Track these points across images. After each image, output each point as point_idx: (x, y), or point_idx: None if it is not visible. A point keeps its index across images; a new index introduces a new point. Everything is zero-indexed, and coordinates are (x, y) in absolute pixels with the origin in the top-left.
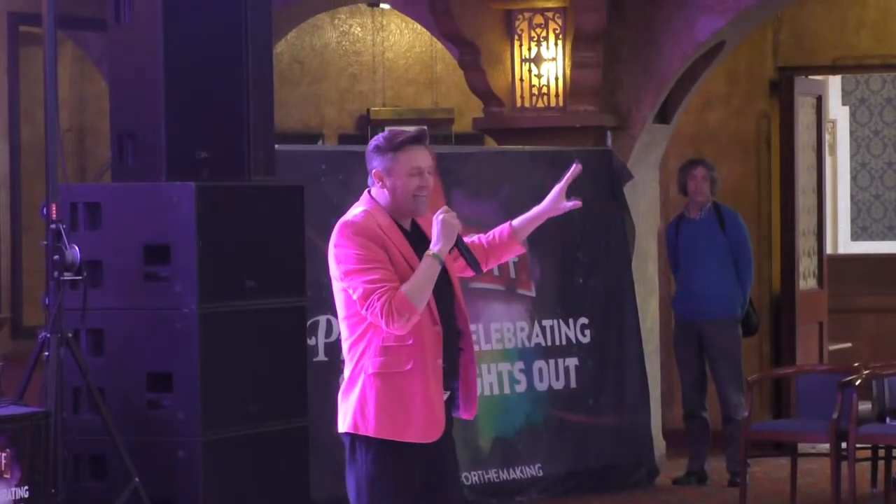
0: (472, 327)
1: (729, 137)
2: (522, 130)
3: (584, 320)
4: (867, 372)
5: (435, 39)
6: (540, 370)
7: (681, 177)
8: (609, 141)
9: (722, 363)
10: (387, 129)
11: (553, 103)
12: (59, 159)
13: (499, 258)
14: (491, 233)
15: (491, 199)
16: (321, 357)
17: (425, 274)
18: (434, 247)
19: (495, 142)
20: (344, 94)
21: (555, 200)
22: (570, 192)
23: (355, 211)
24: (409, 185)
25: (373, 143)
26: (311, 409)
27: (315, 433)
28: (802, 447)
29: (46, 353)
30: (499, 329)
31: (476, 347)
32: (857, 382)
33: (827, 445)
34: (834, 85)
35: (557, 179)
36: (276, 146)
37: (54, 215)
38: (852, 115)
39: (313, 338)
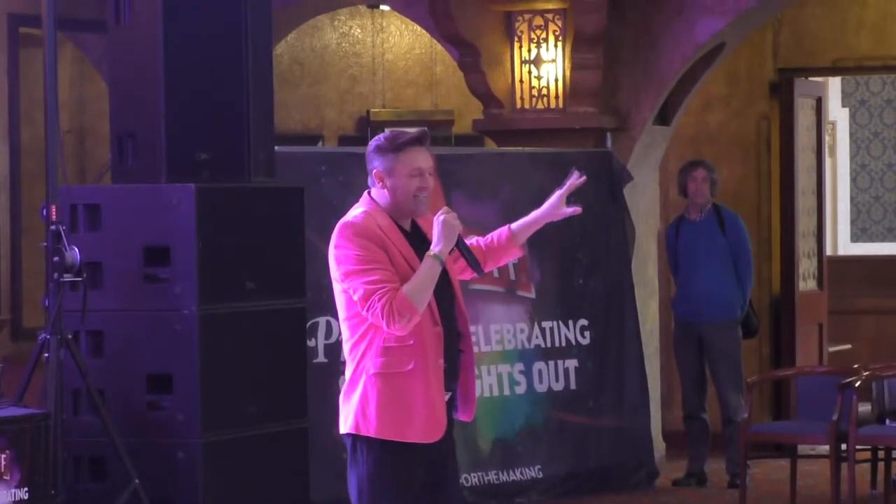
0: (472, 329)
1: (729, 139)
2: (522, 132)
3: (583, 322)
4: (867, 373)
5: (435, 41)
6: (540, 371)
7: (681, 178)
8: (609, 142)
9: (722, 365)
10: (387, 130)
11: (553, 105)
12: (59, 161)
13: (497, 261)
14: (489, 236)
15: (491, 201)
16: (321, 358)
17: (426, 275)
18: (435, 247)
19: (495, 143)
20: (344, 95)
21: (554, 206)
22: (570, 195)
23: (355, 212)
24: (410, 185)
25: (373, 143)
26: (310, 410)
27: (315, 435)
28: (802, 449)
29: (46, 355)
30: (498, 330)
31: (476, 349)
32: (857, 384)
33: (827, 447)
34: (834, 86)
35: (557, 181)
36: (276, 148)
37: (54, 217)
38: (852, 116)
39: (313, 339)
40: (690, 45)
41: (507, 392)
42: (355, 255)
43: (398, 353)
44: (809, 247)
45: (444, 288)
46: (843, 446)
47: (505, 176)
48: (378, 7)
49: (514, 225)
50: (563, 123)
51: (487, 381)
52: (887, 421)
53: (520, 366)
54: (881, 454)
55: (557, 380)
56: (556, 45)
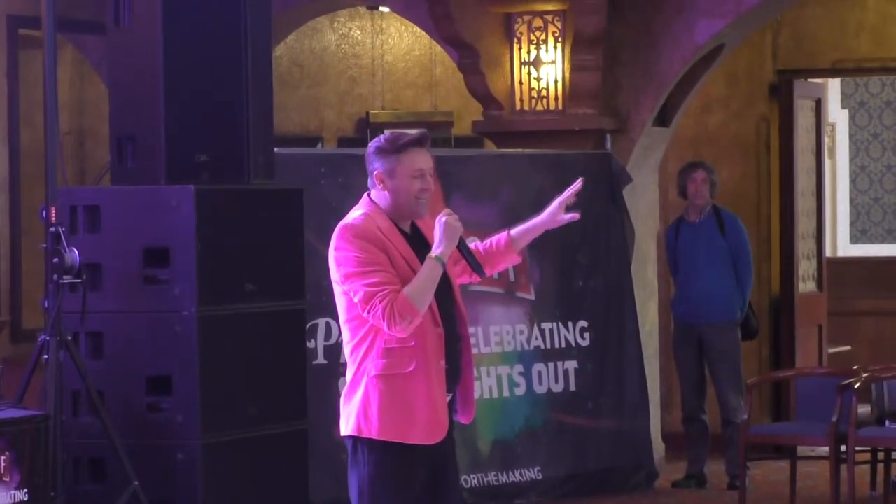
0: (472, 330)
1: (728, 140)
2: (522, 133)
3: (583, 323)
4: (866, 375)
5: (434, 42)
6: (539, 373)
7: (680, 180)
8: (608, 144)
9: (721, 366)
10: (387, 131)
11: (552, 106)
12: (59, 162)
13: (494, 266)
14: (488, 240)
15: (490, 203)
16: (320, 360)
17: (427, 276)
18: (436, 249)
19: (494, 145)
20: (343, 97)
21: (553, 213)
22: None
23: (355, 214)
24: (411, 187)
25: (374, 144)
26: (310, 412)
27: (314, 436)
28: (802, 450)
29: (46, 357)
30: (498, 332)
31: (475, 350)
32: (857, 385)
33: (826, 448)
34: (833, 88)
35: (557, 182)
36: (276, 149)
37: (53, 218)
38: (852, 118)
39: (312, 341)
40: (690, 46)
41: (506, 393)
42: (355, 258)
43: (399, 355)
44: (809, 248)
45: (444, 289)
46: (843, 448)
47: (504, 177)
48: (377, 9)
49: (513, 231)
50: (563, 125)
51: (487, 383)
52: (887, 422)
53: (519, 367)
54: (881, 455)
55: (557, 381)
56: (555, 47)
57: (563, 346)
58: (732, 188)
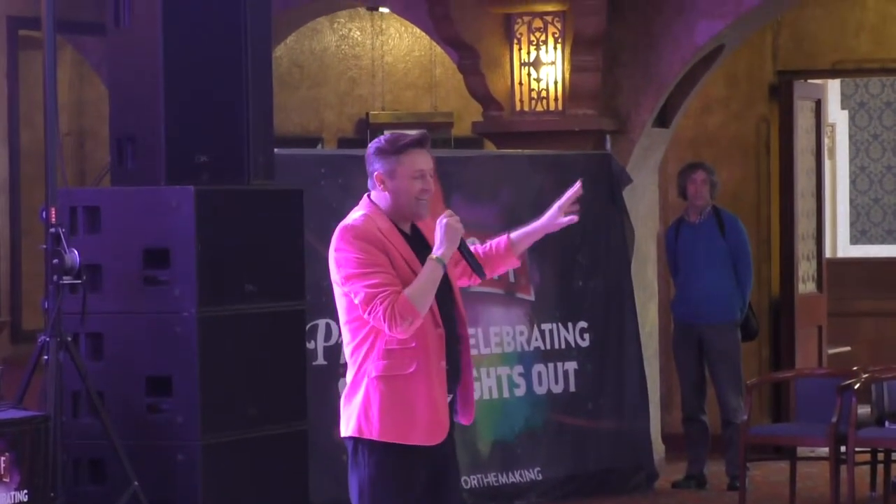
0: (472, 331)
1: (728, 141)
2: (522, 134)
3: (583, 324)
4: (866, 376)
5: (434, 43)
6: (539, 374)
7: (680, 180)
8: (608, 145)
9: (721, 367)
10: (386, 132)
11: (552, 107)
12: (59, 163)
13: (493, 270)
14: (488, 243)
15: (490, 203)
16: (320, 361)
17: (429, 278)
18: (437, 251)
19: (494, 146)
20: (343, 97)
21: (552, 217)
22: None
23: (355, 215)
24: (411, 188)
25: (374, 145)
26: (310, 413)
27: (314, 437)
28: (801, 451)
29: (46, 357)
30: (498, 333)
31: (475, 351)
32: (857, 386)
33: (826, 449)
34: (833, 89)
35: (557, 183)
36: (276, 150)
37: (53, 219)
38: (851, 118)
39: (312, 341)
40: (690, 47)
41: (506, 394)
42: (356, 259)
43: (400, 356)
44: (809, 249)
45: (444, 290)
46: (843, 448)
47: (504, 178)
48: (377, 9)
49: (513, 234)
50: (563, 126)
51: (487, 384)
52: (886, 423)
53: (519, 368)
54: (880, 456)
55: (557, 382)
56: (555, 48)
57: (563, 346)
58: (732, 189)
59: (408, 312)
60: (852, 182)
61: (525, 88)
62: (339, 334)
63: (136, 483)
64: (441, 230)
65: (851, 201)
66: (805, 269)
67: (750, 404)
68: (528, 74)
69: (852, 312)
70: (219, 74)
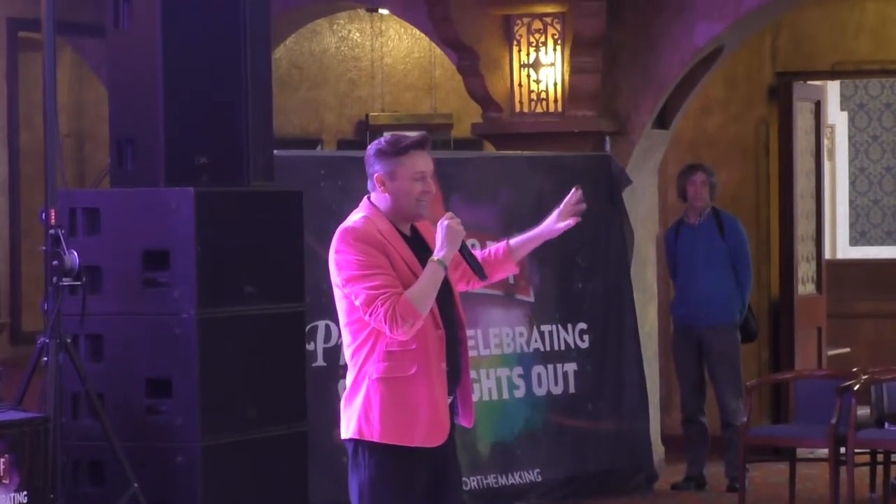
0: (471, 332)
1: (728, 143)
2: (521, 136)
3: (582, 325)
4: (866, 377)
5: (433, 45)
6: (539, 375)
7: (680, 182)
8: (608, 146)
9: (721, 368)
10: (386, 133)
11: (552, 108)
12: (58, 164)
13: (492, 276)
14: (487, 249)
15: (490, 205)
16: (320, 362)
17: (430, 279)
18: (438, 253)
19: (494, 147)
20: (343, 99)
21: (552, 223)
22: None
23: (355, 217)
24: (412, 189)
25: (374, 146)
26: (310, 414)
27: (314, 438)
28: (801, 452)
29: (45, 359)
30: (497, 334)
31: (475, 353)
32: (856, 387)
33: (826, 450)
34: (833, 90)
35: (556, 184)
36: (275, 151)
37: (53, 220)
38: (851, 120)
39: (312, 343)
40: (689, 48)
41: (506, 396)
42: (356, 261)
43: (401, 358)
44: (808, 250)
45: (445, 292)
46: (842, 450)
47: (504, 179)
48: (377, 11)
49: (512, 241)
50: (562, 127)
51: (486, 385)
52: (886, 424)
53: (519, 369)
54: (880, 457)
55: (556, 383)
56: (554, 49)
57: (563, 348)
58: (732, 190)
59: (409, 314)
60: (852, 183)
61: (524, 90)
62: (339, 336)
63: (135, 485)
64: (442, 232)
65: (851, 203)
66: (804, 271)
67: (749, 406)
68: (528, 76)
69: (852, 314)
70: (218, 76)
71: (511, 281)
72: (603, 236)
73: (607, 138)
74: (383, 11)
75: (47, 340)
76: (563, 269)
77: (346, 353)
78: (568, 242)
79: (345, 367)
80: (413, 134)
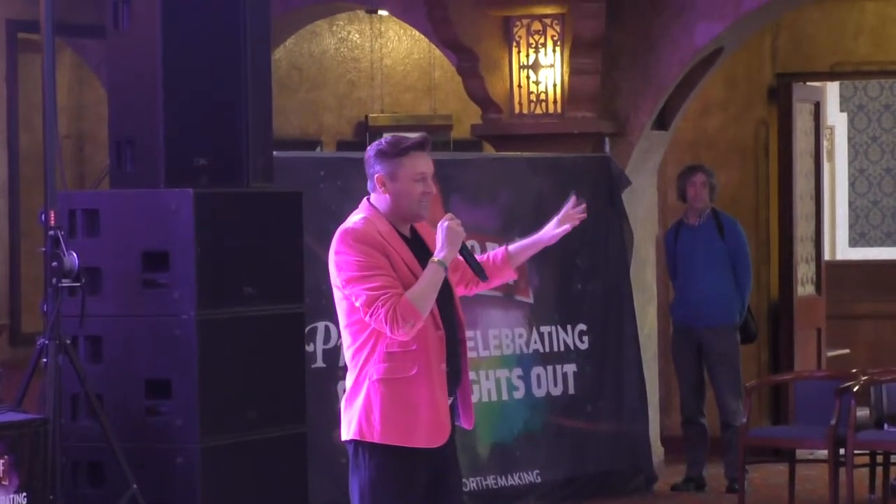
0: (470, 333)
1: (727, 144)
2: (520, 137)
3: (582, 327)
4: (865, 378)
5: (433, 46)
6: (538, 376)
7: (680, 183)
8: (607, 147)
9: (720, 369)
10: (386, 135)
11: (551, 110)
12: (58, 166)
13: (490, 281)
14: (485, 254)
15: (489, 206)
16: (319, 363)
17: (430, 280)
18: (439, 253)
19: (493, 148)
20: (342, 100)
21: (551, 229)
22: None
23: (355, 218)
24: (413, 190)
25: (374, 147)
26: (309, 415)
27: (313, 439)
28: (801, 453)
29: (45, 360)
30: (497, 335)
31: (474, 354)
32: (855, 389)
33: (825, 451)
34: (832, 91)
35: (556, 186)
36: (275, 153)
37: (53, 222)
38: (850, 121)
39: (311, 344)
40: (689, 49)
41: (505, 397)
42: (356, 262)
43: (401, 359)
44: (808, 251)
45: (445, 293)
46: (842, 451)
47: (503, 181)
48: (376, 12)
49: (511, 247)
50: (562, 128)
51: (486, 386)
52: (885, 425)
53: (518, 371)
54: (879, 459)
55: (556, 385)
56: (554, 50)
57: (562, 349)
58: (731, 192)
59: (409, 314)
60: (851, 184)
61: (524, 91)
62: (339, 337)
63: (134, 486)
64: (442, 233)
65: (850, 204)
66: (804, 272)
67: (749, 407)
68: (527, 77)
69: (851, 315)
70: (218, 77)
71: (510, 282)
72: (602, 237)
73: (607, 139)
74: (383, 13)
75: (47, 342)
76: (562, 270)
77: (346, 354)
78: (567, 244)
79: (344, 368)
80: (413, 135)
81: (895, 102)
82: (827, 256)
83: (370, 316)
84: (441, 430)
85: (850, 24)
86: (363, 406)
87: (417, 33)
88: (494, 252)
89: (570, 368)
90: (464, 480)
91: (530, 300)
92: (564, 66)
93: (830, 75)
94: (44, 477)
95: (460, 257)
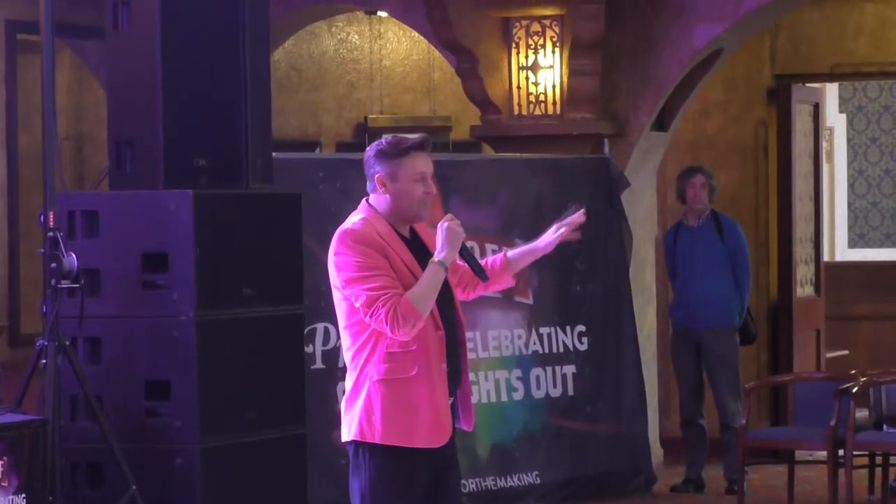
0: (469, 335)
1: (726, 145)
2: (520, 138)
3: (581, 328)
4: (864, 379)
5: (432, 47)
6: (537, 378)
7: (679, 184)
8: (606, 148)
9: (719, 371)
10: (385, 136)
11: (550, 111)
12: (57, 167)
13: (487, 286)
14: (485, 259)
15: (488, 207)
16: (318, 364)
17: (430, 280)
18: (439, 254)
19: (493, 149)
20: (341, 101)
21: (549, 236)
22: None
23: (354, 219)
24: (414, 190)
25: (374, 147)
26: (308, 416)
27: (313, 440)
28: (800, 454)
29: (44, 361)
30: (496, 337)
31: (473, 355)
32: (855, 390)
33: (824, 453)
34: (831, 92)
35: (555, 187)
36: (274, 154)
37: (52, 223)
38: (849, 122)
39: (311, 345)
40: (688, 50)
41: (504, 398)
42: (356, 262)
43: (402, 359)
44: (807, 253)
45: (445, 294)
46: (841, 452)
47: (503, 182)
48: (376, 13)
49: (510, 253)
50: (561, 129)
51: (485, 387)
52: (885, 427)
53: (517, 372)
54: (878, 460)
55: (555, 386)
56: (553, 52)
57: (562, 350)
58: (731, 193)
59: (410, 315)
60: (850, 185)
61: (523, 92)
62: (338, 338)
63: (134, 487)
64: (442, 234)
65: (849, 205)
66: (803, 273)
67: (748, 408)
68: (527, 78)
69: (850, 316)
70: (217, 78)
71: None
72: (602, 238)
73: (606, 140)
74: (382, 14)
75: (46, 343)
76: (561, 271)
77: (346, 355)
78: (567, 245)
79: (343, 369)
80: (414, 136)
81: (894, 104)
82: (826, 257)
83: (370, 316)
84: (442, 430)
85: (850, 25)
86: (364, 407)
87: (417, 34)
88: (493, 258)
89: (570, 369)
90: (463, 482)
91: (530, 301)
92: (564, 67)
93: (830, 76)
94: (43, 478)
95: (460, 262)
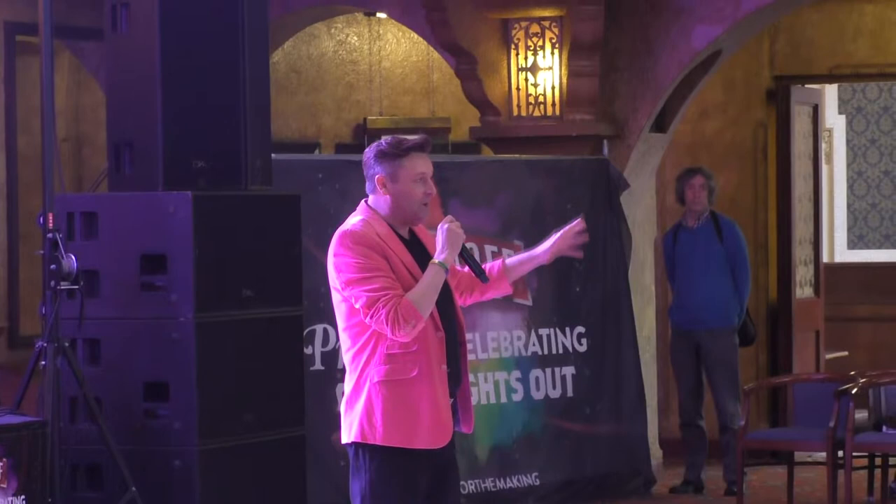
0: (469, 336)
1: (725, 146)
2: (519, 139)
3: (580, 329)
4: (864, 380)
5: (431, 48)
6: (537, 379)
7: (679, 185)
8: (605, 150)
9: (719, 372)
10: (384, 137)
11: (549, 112)
12: (56, 168)
13: (483, 293)
14: (483, 266)
15: (487, 208)
16: (318, 366)
17: (431, 281)
18: (439, 255)
19: (492, 151)
20: (340, 103)
21: (548, 246)
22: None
23: (353, 220)
24: (414, 191)
25: (374, 148)
26: (307, 418)
27: (312, 442)
28: (799, 456)
29: (43, 363)
30: (495, 338)
31: (473, 356)
32: (854, 391)
33: (823, 454)
34: (830, 94)
35: (554, 188)
36: (273, 155)
37: (51, 225)
38: (849, 123)
39: (310, 347)
40: (687, 52)
41: (504, 399)
42: (356, 263)
43: (402, 360)
44: (806, 254)
45: (445, 295)
46: (840, 453)
47: (502, 183)
48: (375, 15)
49: (508, 260)
50: (560, 131)
51: (484, 389)
52: (884, 428)
53: (517, 373)
54: (878, 461)
55: (554, 387)
56: (552, 53)
57: (561, 351)
58: (730, 194)
59: (410, 316)
60: (850, 187)
61: (522, 93)
62: (337, 339)
63: (133, 489)
64: (443, 235)
65: (849, 206)
66: (802, 274)
67: (747, 409)
68: (526, 79)
69: (850, 317)
70: (216, 79)
71: None
72: (601, 240)
73: (605, 142)
74: (381, 15)
75: (45, 344)
76: (560, 272)
77: (346, 357)
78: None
79: (343, 370)
80: (413, 137)
81: (894, 105)
82: (825, 259)
83: (371, 317)
84: (442, 431)
85: (849, 26)
86: (364, 408)
87: (416, 36)
88: (491, 264)
89: (569, 371)
90: (462, 483)
91: (529, 302)
92: (563, 68)
93: (829, 78)
94: (42, 480)
95: (460, 267)
